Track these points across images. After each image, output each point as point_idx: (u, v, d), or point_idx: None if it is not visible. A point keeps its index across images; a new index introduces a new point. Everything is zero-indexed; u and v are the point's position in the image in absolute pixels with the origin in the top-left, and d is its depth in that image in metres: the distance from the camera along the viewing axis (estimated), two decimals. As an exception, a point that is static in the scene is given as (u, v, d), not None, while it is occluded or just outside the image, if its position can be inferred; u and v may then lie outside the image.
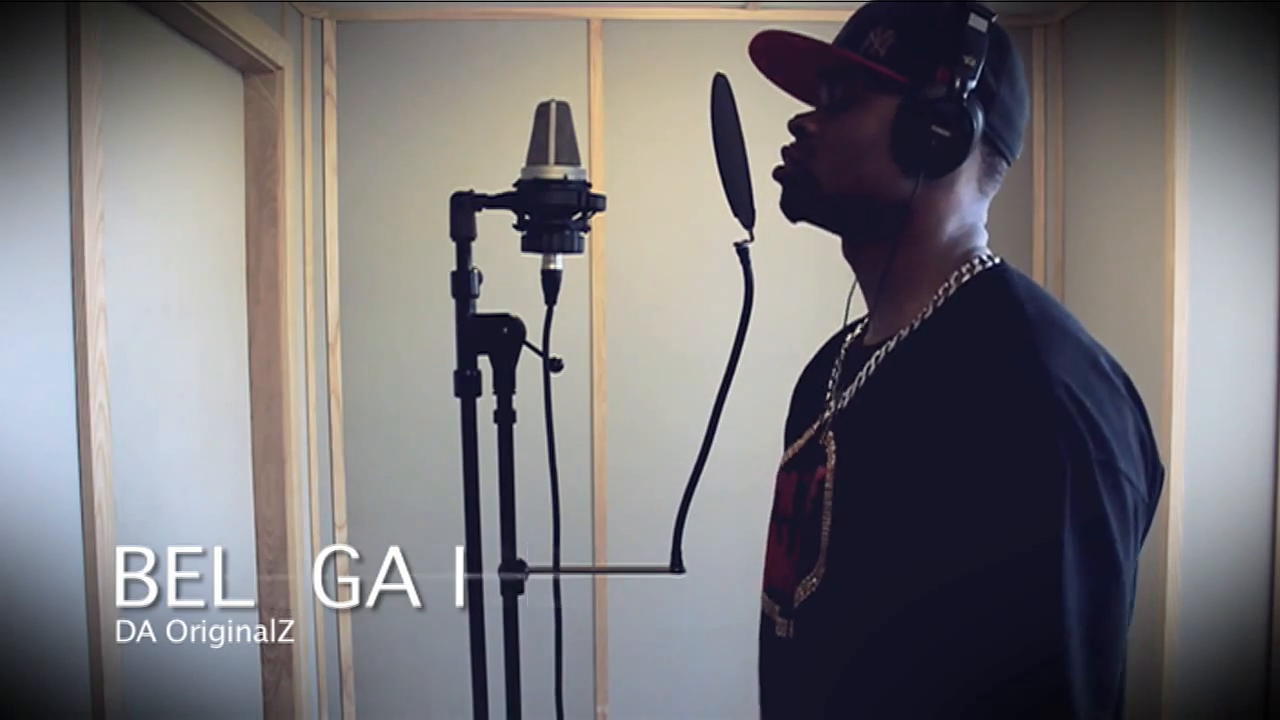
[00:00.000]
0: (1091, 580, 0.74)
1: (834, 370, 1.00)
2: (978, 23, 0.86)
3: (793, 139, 0.95)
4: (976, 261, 0.91)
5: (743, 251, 0.94)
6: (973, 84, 0.86)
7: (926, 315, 0.90)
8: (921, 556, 0.79)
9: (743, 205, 0.94)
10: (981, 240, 0.94)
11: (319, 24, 2.54)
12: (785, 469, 1.00)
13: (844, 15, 0.96)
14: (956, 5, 0.87)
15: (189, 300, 2.03)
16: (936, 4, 0.89)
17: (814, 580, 0.90)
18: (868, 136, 0.89)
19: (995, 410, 0.77)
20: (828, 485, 0.90)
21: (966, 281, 0.90)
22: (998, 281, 0.89)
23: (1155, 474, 0.83)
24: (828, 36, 0.95)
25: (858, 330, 1.03)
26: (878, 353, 0.93)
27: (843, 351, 1.02)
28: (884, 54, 0.89)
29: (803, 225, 0.98)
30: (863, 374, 0.93)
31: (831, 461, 0.90)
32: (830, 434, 0.93)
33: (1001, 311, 0.86)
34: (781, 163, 0.96)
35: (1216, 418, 2.19)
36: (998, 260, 0.92)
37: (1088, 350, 0.82)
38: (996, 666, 0.74)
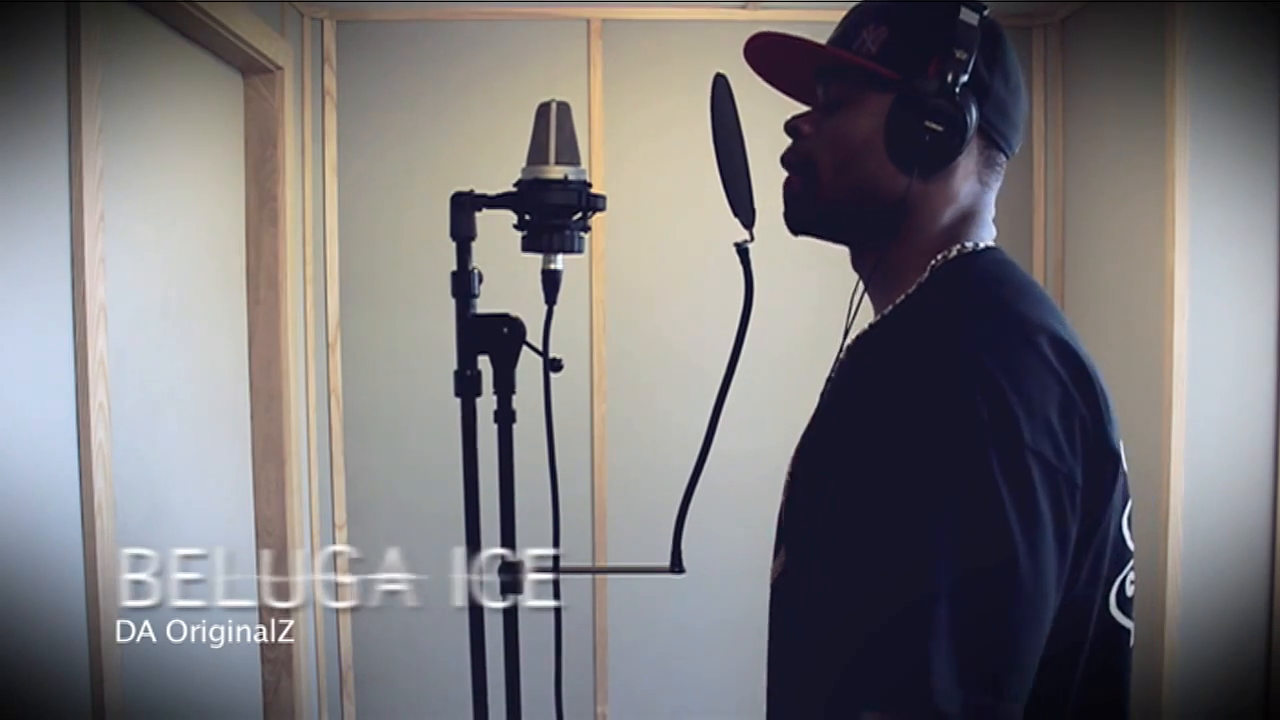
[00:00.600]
0: (970, 560, 0.71)
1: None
2: (969, 16, 0.85)
3: (790, 142, 0.95)
4: (956, 248, 0.90)
5: (743, 251, 0.94)
6: (965, 78, 0.85)
7: (899, 302, 0.90)
8: (830, 532, 0.81)
9: (743, 205, 0.94)
10: (980, 229, 0.92)
11: (319, 24, 2.54)
12: None
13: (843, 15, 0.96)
14: (948, 0, 0.86)
15: (189, 300, 2.03)
16: (929, 0, 0.88)
17: (779, 564, 0.92)
18: (862, 135, 0.89)
19: (902, 389, 0.77)
20: (790, 472, 0.93)
21: (940, 266, 0.89)
22: (963, 264, 0.89)
23: (1100, 459, 0.79)
24: (827, 36, 0.95)
25: None
26: (848, 342, 0.95)
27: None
28: (876, 51, 0.89)
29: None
30: (835, 363, 0.96)
31: (798, 448, 0.93)
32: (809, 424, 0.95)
33: (944, 292, 0.86)
34: (786, 173, 0.95)
35: (1216, 418, 2.18)
36: (981, 246, 0.91)
37: (1026, 327, 0.80)
38: (869, 651, 0.74)
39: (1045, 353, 0.78)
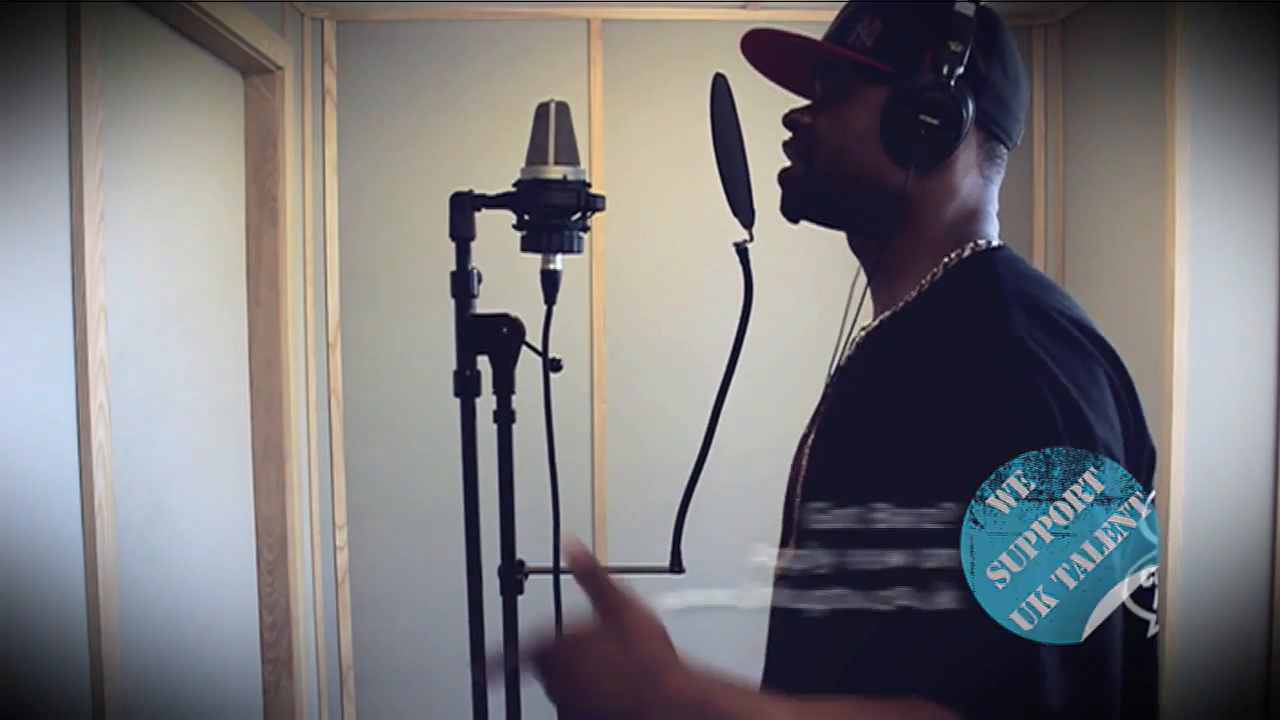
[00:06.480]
0: None
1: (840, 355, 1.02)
2: (964, 7, 0.86)
3: (789, 134, 0.96)
4: (969, 246, 0.91)
5: (742, 251, 0.94)
6: (960, 70, 0.85)
7: (911, 298, 0.91)
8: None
9: (742, 205, 0.95)
10: (986, 224, 0.93)
11: (319, 24, 2.54)
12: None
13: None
14: None
15: (189, 300, 2.03)
16: None
17: (788, 554, 0.92)
18: (858, 128, 0.90)
19: (965, 385, 0.77)
20: (804, 463, 0.93)
21: (955, 265, 0.90)
22: (983, 262, 0.90)
23: (1138, 454, 0.81)
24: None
25: None
26: (857, 335, 0.95)
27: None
28: (870, 45, 0.89)
29: (803, 225, 0.99)
30: (842, 356, 0.96)
31: (811, 441, 0.93)
32: (816, 415, 0.96)
33: (978, 290, 0.86)
34: (787, 164, 0.96)
35: (1216, 418, 2.18)
36: (995, 243, 0.92)
37: (1070, 323, 0.81)
38: (962, 647, 0.73)
39: (1091, 353, 0.80)
